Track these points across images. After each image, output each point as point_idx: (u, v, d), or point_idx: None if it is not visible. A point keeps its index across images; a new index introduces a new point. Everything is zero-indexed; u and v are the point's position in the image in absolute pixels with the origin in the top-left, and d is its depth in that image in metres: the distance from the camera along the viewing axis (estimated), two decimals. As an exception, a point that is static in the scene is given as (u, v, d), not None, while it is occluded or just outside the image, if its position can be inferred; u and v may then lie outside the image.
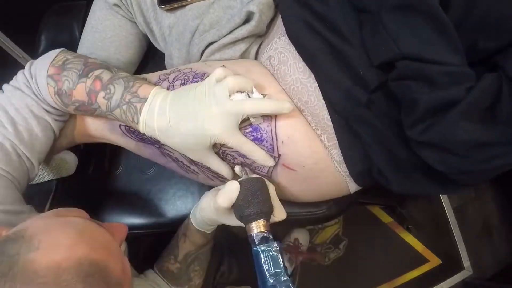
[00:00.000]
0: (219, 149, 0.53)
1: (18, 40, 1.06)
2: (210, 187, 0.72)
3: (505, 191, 1.35)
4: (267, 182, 0.52)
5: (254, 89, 0.50)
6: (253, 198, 0.49)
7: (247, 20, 0.57)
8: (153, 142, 0.58)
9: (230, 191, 0.49)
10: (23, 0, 1.02)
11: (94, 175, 0.75)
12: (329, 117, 0.52)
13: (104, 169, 0.76)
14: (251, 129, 0.52)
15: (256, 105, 0.48)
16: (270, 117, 0.52)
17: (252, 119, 0.51)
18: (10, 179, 0.49)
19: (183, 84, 0.55)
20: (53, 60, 0.51)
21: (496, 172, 0.45)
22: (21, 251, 0.32)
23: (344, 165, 0.54)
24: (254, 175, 0.53)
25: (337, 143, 0.53)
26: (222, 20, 0.58)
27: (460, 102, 0.42)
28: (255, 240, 0.47)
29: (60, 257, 0.32)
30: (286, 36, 0.54)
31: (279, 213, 0.52)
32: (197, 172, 0.60)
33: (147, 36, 0.70)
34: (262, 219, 0.48)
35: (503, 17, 0.43)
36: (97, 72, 0.51)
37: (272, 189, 0.52)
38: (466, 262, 1.30)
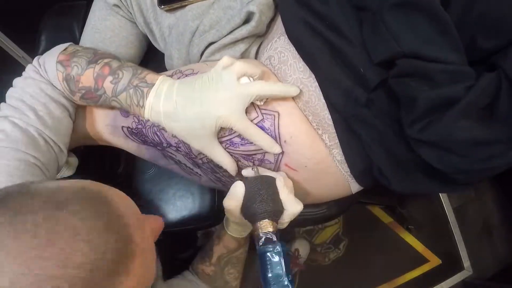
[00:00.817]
0: (234, 153, 0.53)
1: (18, 40, 1.06)
2: (211, 190, 0.73)
3: (505, 191, 1.35)
4: (280, 176, 0.51)
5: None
6: (258, 197, 0.48)
7: (247, 21, 0.57)
8: (155, 144, 0.58)
9: (234, 192, 0.49)
10: (23, 0, 1.02)
11: (94, 175, 0.75)
12: (329, 117, 0.52)
13: (104, 169, 0.76)
14: None
15: (264, 87, 0.48)
16: (273, 116, 0.52)
17: (258, 102, 0.51)
18: (41, 167, 0.48)
19: None
20: (64, 50, 0.53)
21: (495, 171, 0.45)
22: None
23: (346, 164, 0.54)
24: (263, 173, 0.52)
25: (338, 143, 0.53)
26: (222, 20, 0.58)
27: (459, 101, 0.42)
28: (259, 240, 0.47)
29: (64, 183, 0.32)
30: (286, 36, 0.54)
31: (292, 206, 0.50)
32: (200, 175, 0.60)
33: (147, 36, 0.70)
34: (267, 219, 0.47)
35: (503, 15, 0.43)
36: (106, 60, 0.52)
37: (282, 183, 0.50)
38: (466, 262, 1.30)
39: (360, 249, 1.31)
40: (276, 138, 0.52)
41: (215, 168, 0.56)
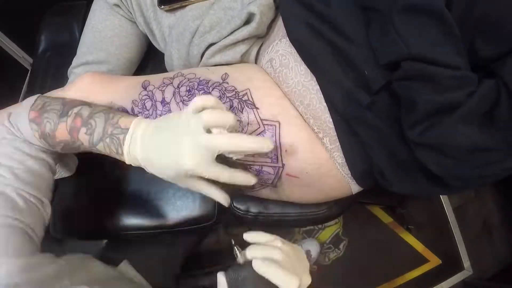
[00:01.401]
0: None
1: (18, 40, 1.06)
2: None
3: (505, 191, 1.35)
4: (258, 261, 0.44)
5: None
6: None
7: (247, 22, 0.57)
8: None
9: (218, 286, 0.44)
10: (23, 0, 1.02)
11: (94, 175, 0.75)
12: (331, 120, 0.52)
13: (104, 169, 0.76)
14: None
15: (232, 141, 0.43)
16: (274, 126, 0.52)
17: (232, 156, 0.46)
18: (23, 228, 0.46)
19: (189, 91, 0.54)
20: (32, 105, 0.50)
21: (493, 179, 0.46)
22: None
23: (347, 167, 0.54)
24: (241, 260, 0.46)
25: (339, 146, 0.52)
26: (223, 21, 0.58)
27: (460, 106, 0.42)
28: None
29: None
30: (287, 38, 0.54)
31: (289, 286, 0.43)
32: None
33: (147, 36, 0.70)
34: None
35: (503, 18, 0.43)
36: (76, 109, 0.50)
37: (265, 268, 0.44)
38: (466, 262, 1.31)
39: (360, 249, 1.31)
40: (278, 148, 0.52)
41: None
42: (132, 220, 0.71)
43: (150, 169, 0.48)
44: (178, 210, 0.71)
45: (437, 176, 0.48)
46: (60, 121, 0.49)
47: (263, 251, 0.46)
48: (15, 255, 0.43)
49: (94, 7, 0.69)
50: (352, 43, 0.49)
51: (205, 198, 0.72)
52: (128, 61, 0.71)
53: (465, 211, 1.35)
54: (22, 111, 0.50)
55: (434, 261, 1.33)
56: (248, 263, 0.44)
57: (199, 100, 0.44)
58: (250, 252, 0.46)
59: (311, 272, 0.48)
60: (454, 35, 0.43)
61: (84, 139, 0.49)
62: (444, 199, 1.35)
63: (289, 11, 0.54)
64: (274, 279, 0.43)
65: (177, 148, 0.44)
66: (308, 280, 0.47)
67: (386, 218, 1.36)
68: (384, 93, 0.49)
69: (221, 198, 0.48)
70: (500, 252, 1.32)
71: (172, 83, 0.56)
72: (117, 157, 0.50)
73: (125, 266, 0.63)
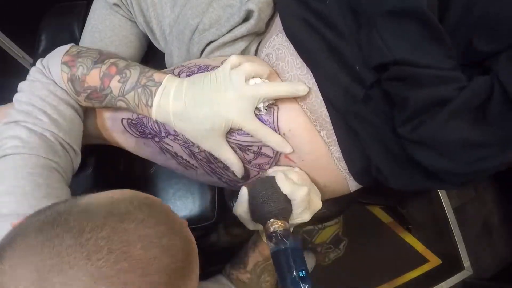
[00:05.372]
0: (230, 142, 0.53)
1: (18, 40, 1.06)
2: (209, 186, 0.73)
3: (505, 191, 1.35)
4: (279, 172, 0.51)
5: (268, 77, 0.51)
6: (259, 200, 0.48)
7: (246, 19, 0.57)
8: (153, 135, 0.58)
9: (239, 198, 0.50)
10: (23, 0, 1.02)
11: (94, 175, 0.75)
12: (327, 113, 0.52)
13: (104, 169, 0.76)
14: None
15: (272, 88, 0.48)
16: (272, 109, 0.52)
17: (262, 109, 0.51)
18: (60, 172, 0.48)
19: (189, 75, 0.55)
20: (67, 51, 0.52)
21: (486, 174, 0.46)
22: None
23: (344, 162, 0.54)
24: (265, 175, 0.52)
25: (336, 140, 0.53)
26: (222, 19, 0.58)
27: (451, 101, 0.43)
28: (270, 242, 0.47)
29: (113, 194, 0.33)
30: (284, 33, 0.55)
31: (296, 194, 0.49)
32: (196, 167, 0.60)
33: (147, 36, 0.70)
34: (273, 219, 0.47)
35: (502, 18, 0.44)
36: (112, 60, 0.51)
37: (283, 178, 0.50)
38: (466, 262, 1.30)
39: (360, 249, 1.31)
40: (275, 131, 0.52)
41: (210, 158, 0.56)
42: (132, 220, 0.71)
43: (181, 123, 0.50)
44: (178, 210, 0.71)
45: (432, 171, 0.48)
46: (94, 67, 0.50)
47: (283, 168, 0.53)
48: (57, 196, 0.45)
49: (94, 7, 0.70)
50: (345, 41, 0.49)
51: (205, 198, 0.72)
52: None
53: (465, 211, 1.35)
54: (55, 55, 0.52)
55: (434, 261, 1.33)
56: (268, 178, 0.51)
57: (236, 57, 0.49)
58: (272, 169, 0.54)
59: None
60: (440, 38, 0.44)
61: (115, 87, 0.50)
62: (444, 199, 1.35)
63: (286, 7, 0.54)
64: (282, 186, 0.49)
65: (219, 98, 0.48)
66: (318, 204, 0.52)
67: (386, 218, 1.36)
68: (378, 89, 0.49)
69: (239, 167, 0.52)
70: (500, 252, 1.32)
71: (172, 72, 0.56)
72: (145, 110, 0.51)
73: (224, 279, 0.64)
